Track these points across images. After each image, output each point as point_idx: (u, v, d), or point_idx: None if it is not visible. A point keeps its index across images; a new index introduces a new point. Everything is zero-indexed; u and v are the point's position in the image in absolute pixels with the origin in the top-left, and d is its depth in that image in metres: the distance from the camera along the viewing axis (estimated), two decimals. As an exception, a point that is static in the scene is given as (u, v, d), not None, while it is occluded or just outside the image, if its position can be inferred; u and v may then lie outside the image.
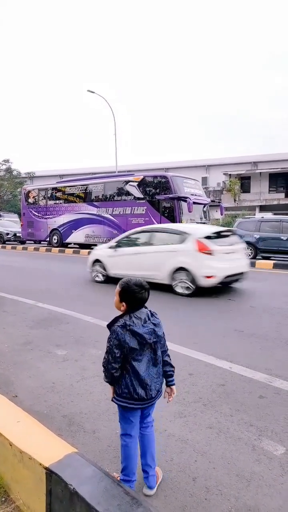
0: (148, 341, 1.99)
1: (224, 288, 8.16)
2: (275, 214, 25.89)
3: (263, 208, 33.30)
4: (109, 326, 2.04)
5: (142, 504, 1.55)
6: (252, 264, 12.60)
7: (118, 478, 2.06)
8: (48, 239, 21.18)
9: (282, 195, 34.22)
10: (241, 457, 2.43)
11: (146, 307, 2.10)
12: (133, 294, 2.01)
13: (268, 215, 19.57)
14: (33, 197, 22.49)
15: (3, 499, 2.02)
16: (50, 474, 1.75)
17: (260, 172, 34.19)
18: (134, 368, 1.98)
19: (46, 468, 1.77)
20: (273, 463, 2.37)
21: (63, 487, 1.68)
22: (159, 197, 16.01)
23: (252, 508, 2.01)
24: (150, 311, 2.10)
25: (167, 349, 2.17)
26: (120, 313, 2.08)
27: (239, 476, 2.26)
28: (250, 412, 2.98)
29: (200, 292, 7.31)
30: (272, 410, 2.99)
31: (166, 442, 2.59)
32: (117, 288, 2.07)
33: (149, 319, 2.04)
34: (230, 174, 35.15)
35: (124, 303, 2.02)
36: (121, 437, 2.11)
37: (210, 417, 2.91)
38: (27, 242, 23.67)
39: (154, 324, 2.04)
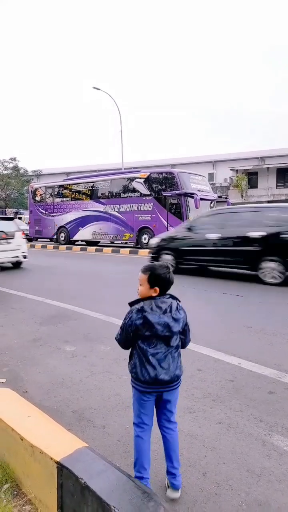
0: (159, 333, 1.96)
1: (230, 284, 8.13)
2: (283, 209, 25.64)
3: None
4: (130, 304, 2.06)
5: (153, 498, 1.55)
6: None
7: None
8: (55, 236, 21.27)
9: (290, 190, 33.89)
10: (251, 452, 2.42)
11: (176, 299, 2.07)
12: (164, 277, 2.00)
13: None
14: (40, 195, 22.59)
15: (15, 492, 2.04)
16: (61, 468, 1.76)
17: (268, 167, 33.91)
18: (142, 350, 1.99)
19: (57, 462, 1.78)
20: (283, 458, 2.36)
21: (74, 481, 1.69)
22: (165, 193, 15.97)
23: (263, 503, 2.01)
24: (178, 304, 2.06)
25: (180, 347, 2.11)
26: None
27: (249, 471, 2.26)
28: (259, 407, 2.97)
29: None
30: (282, 406, 2.98)
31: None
32: (142, 275, 2.03)
33: (171, 311, 2.00)
34: (237, 170, 34.92)
35: (157, 289, 2.01)
36: (133, 427, 2.10)
37: (219, 412, 2.91)
38: (35, 240, 23.79)
39: (174, 319, 1.99)
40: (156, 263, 2.11)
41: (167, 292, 2.06)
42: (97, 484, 1.62)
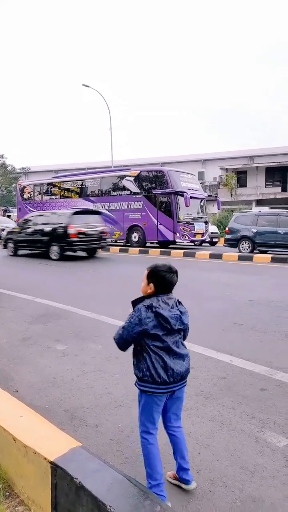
0: (173, 327, 1.94)
1: (222, 283, 8.17)
2: (271, 208, 25.92)
3: (259, 203, 33.33)
4: (134, 303, 2.01)
5: (149, 496, 1.54)
6: (250, 258, 12.64)
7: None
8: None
9: (279, 189, 34.27)
10: (244, 449, 2.43)
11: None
12: (162, 276, 2.00)
13: (265, 209, 19.59)
14: (29, 192, 22.36)
15: (7, 493, 2.01)
16: (55, 468, 1.74)
17: (257, 166, 34.18)
18: (156, 351, 1.93)
19: (51, 462, 1.76)
20: (276, 454, 2.38)
21: (69, 481, 1.66)
22: (156, 191, 15.96)
23: (257, 499, 2.02)
24: (178, 300, 2.07)
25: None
26: None
27: (242, 468, 2.26)
28: (252, 404, 2.98)
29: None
30: (274, 403, 3.00)
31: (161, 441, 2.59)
32: (145, 272, 2.06)
33: (176, 306, 2.02)
34: (226, 169, 35.13)
35: (152, 285, 1.99)
36: (140, 436, 2.02)
37: (212, 410, 2.92)
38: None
39: (181, 312, 2.01)
40: (160, 263, 2.06)
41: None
42: (92, 483, 1.61)
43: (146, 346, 1.94)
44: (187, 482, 2.08)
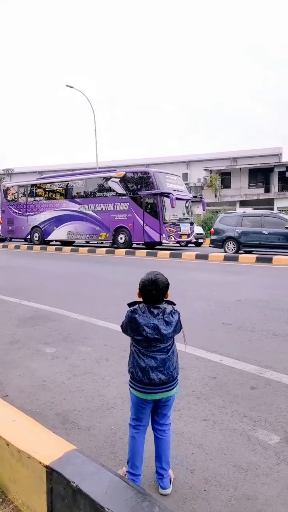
0: (148, 335, 1.97)
1: (209, 283, 8.23)
2: (255, 209, 26.27)
3: (243, 203, 33.76)
4: (128, 305, 2.11)
5: (147, 498, 1.54)
6: (235, 258, 12.78)
7: (125, 472, 2.06)
8: (29, 236, 20.85)
9: (262, 190, 34.78)
10: (237, 448, 2.45)
11: (171, 303, 2.10)
12: (139, 287, 2.05)
13: (249, 210, 19.83)
14: (13, 194, 22.10)
15: (1, 500, 1.98)
16: (51, 472, 1.72)
17: (240, 168, 34.62)
18: (137, 352, 2.03)
19: (46, 467, 1.74)
20: (268, 452, 2.41)
21: (65, 484, 1.65)
22: (141, 193, 15.99)
23: (251, 497, 2.03)
24: (173, 308, 2.08)
25: (175, 349, 2.11)
26: None
27: (236, 466, 2.28)
28: (243, 403, 3.01)
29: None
30: (264, 401, 3.04)
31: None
32: None
33: (163, 314, 2.01)
34: (210, 170, 35.45)
35: (138, 293, 2.07)
36: (129, 427, 2.13)
37: (204, 409, 2.93)
38: (8, 240, 23.24)
39: (166, 322, 2.00)
40: (150, 273, 2.06)
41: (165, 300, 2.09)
42: (89, 486, 1.60)
43: (132, 346, 2.08)
44: (160, 486, 2.09)
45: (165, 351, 2.04)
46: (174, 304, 2.11)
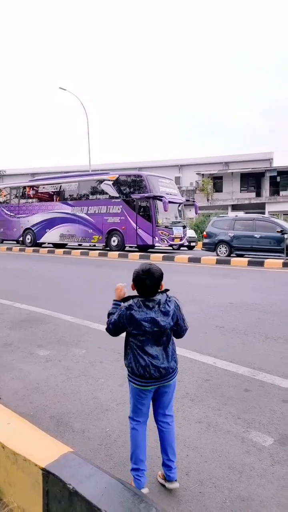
0: (146, 329, 1.98)
1: (201, 286, 8.27)
2: (246, 213, 26.46)
3: (235, 207, 34.00)
4: (123, 300, 2.09)
5: (144, 499, 1.54)
6: (228, 262, 12.85)
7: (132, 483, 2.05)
8: (21, 238, 20.72)
9: (253, 194, 35.09)
10: (232, 450, 2.47)
11: (166, 291, 2.09)
12: (133, 278, 2.04)
13: (241, 214, 19.98)
14: (5, 195, 21.97)
15: (-5, 503, 1.96)
16: (47, 474, 1.71)
17: (232, 172, 34.90)
18: (135, 346, 2.03)
19: (42, 469, 1.73)
20: (262, 453, 2.42)
21: (62, 487, 1.64)
22: (134, 196, 16.02)
23: (246, 499, 2.05)
24: (168, 296, 2.07)
25: (172, 340, 2.14)
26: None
27: (231, 468, 2.30)
28: (236, 405, 3.03)
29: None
30: (258, 403, 3.06)
31: (157, 438, 2.59)
32: None
33: (159, 305, 2.01)
34: (202, 174, 35.66)
35: (132, 284, 2.07)
36: (129, 420, 2.13)
37: (198, 411, 2.94)
38: (0, 242, 23.08)
39: (162, 312, 2.00)
40: (144, 264, 2.07)
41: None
42: (86, 488, 1.59)
43: (129, 342, 2.08)
44: (168, 477, 2.11)
45: (164, 342, 2.05)
46: (168, 290, 2.09)
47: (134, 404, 2.10)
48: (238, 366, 3.77)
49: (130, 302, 2.04)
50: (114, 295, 2.17)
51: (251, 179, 35.62)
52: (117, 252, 15.76)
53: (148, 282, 2.00)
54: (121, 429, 2.69)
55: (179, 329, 2.13)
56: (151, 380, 2.02)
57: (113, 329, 2.10)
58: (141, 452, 2.07)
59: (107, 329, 2.14)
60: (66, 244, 19.78)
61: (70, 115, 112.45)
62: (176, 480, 2.12)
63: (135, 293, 2.11)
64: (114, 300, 2.16)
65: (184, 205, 18.07)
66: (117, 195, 16.77)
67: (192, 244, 20.37)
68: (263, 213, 30.06)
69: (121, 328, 2.07)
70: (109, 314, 2.13)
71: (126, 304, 2.04)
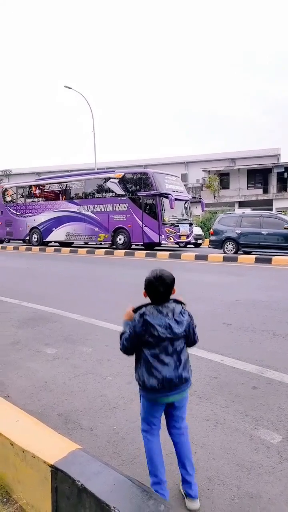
0: (161, 335, 1.92)
1: (208, 284, 8.25)
2: (253, 209, 26.31)
3: (242, 204, 33.81)
4: (134, 311, 2.03)
5: (153, 496, 1.55)
6: (235, 259, 12.80)
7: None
8: (27, 238, 20.83)
9: (260, 191, 34.83)
10: (240, 447, 2.46)
11: (181, 303, 2.04)
12: (146, 284, 2.00)
13: (248, 211, 19.88)
14: (11, 195, 22.08)
15: (5, 499, 1.98)
16: (56, 471, 1.73)
17: (239, 169, 34.66)
18: (148, 356, 1.95)
19: (51, 466, 1.74)
20: (271, 451, 2.42)
21: (71, 484, 1.66)
22: (140, 193, 15.99)
23: (254, 496, 2.04)
24: (183, 308, 2.03)
25: (186, 350, 2.08)
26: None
27: (239, 465, 2.29)
28: (245, 403, 3.02)
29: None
30: (266, 400, 3.05)
31: (164, 435, 2.59)
32: None
33: (173, 314, 1.97)
34: (209, 171, 35.49)
35: (145, 291, 2.02)
36: (142, 433, 2.08)
37: (206, 409, 2.94)
38: (7, 241, 23.22)
39: (176, 321, 1.96)
40: (155, 270, 2.03)
41: (172, 298, 2.04)
42: (94, 485, 1.60)
43: (142, 353, 1.99)
44: (189, 495, 1.99)
45: (177, 352, 1.99)
46: (184, 304, 2.06)
47: (146, 417, 2.05)
48: (246, 364, 3.76)
49: (143, 310, 1.98)
50: (124, 317, 2.09)
51: (258, 176, 35.35)
52: (124, 250, 15.78)
53: (161, 289, 1.98)
54: (129, 426, 2.70)
55: (189, 341, 2.08)
56: (163, 391, 1.95)
57: (128, 345, 2.01)
58: (160, 463, 2.00)
59: (122, 349, 2.04)
60: (73, 243, 19.85)
61: (72, 114, 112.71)
62: (197, 498, 1.99)
63: (147, 300, 2.06)
64: (124, 321, 2.07)
65: (191, 202, 18.02)
66: (123, 193, 16.76)
67: (199, 241, 20.33)
68: (271, 209, 29.87)
69: (137, 339, 1.97)
70: (121, 334, 2.04)
71: (139, 312, 1.99)
